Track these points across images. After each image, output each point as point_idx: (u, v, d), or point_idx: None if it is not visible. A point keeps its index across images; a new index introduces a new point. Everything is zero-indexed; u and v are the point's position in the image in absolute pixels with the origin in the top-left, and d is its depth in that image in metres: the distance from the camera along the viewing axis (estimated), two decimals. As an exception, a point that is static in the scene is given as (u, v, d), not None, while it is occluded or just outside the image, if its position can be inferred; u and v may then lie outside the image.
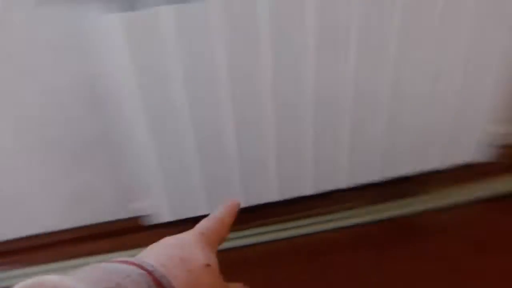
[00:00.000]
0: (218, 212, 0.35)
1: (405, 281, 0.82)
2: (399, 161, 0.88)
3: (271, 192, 0.86)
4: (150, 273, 0.25)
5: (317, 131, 0.80)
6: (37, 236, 0.93)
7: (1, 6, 0.67)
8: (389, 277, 0.83)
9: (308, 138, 0.81)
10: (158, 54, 0.66)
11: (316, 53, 0.71)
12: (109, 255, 0.87)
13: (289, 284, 0.84)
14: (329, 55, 0.72)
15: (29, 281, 0.20)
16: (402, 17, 0.70)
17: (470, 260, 0.84)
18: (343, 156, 0.84)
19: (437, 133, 0.85)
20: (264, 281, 0.81)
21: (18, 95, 0.77)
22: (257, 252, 0.92)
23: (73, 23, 0.71)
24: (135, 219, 0.92)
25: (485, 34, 0.75)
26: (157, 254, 0.28)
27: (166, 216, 0.85)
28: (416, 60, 0.75)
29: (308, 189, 0.88)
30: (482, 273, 0.81)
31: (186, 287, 0.26)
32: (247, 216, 0.95)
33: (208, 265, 0.29)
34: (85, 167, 0.88)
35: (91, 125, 0.83)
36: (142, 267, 0.25)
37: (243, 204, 0.83)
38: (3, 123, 0.80)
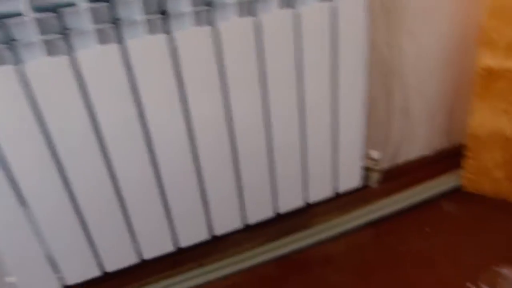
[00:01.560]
0: None
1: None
2: (285, 196, 0.92)
3: (167, 243, 0.84)
4: None
5: (203, 178, 0.81)
6: None
7: None
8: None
9: (193, 185, 0.81)
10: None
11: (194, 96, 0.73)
12: None
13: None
14: (204, 97, 0.75)
15: None
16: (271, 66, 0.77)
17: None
18: (233, 198, 0.86)
19: (315, 166, 0.92)
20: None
21: None
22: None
23: None
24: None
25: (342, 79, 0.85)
26: None
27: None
28: (287, 100, 0.81)
29: (202, 235, 0.87)
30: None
31: None
32: (140, 273, 0.91)
33: None
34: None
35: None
36: None
37: (134, 259, 0.82)
38: None
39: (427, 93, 1.08)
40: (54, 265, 0.77)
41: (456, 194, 1.11)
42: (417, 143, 1.16)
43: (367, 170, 1.04)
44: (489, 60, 0.90)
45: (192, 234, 0.86)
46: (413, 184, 1.12)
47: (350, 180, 0.97)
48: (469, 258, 0.93)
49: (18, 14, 0.58)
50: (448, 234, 1.00)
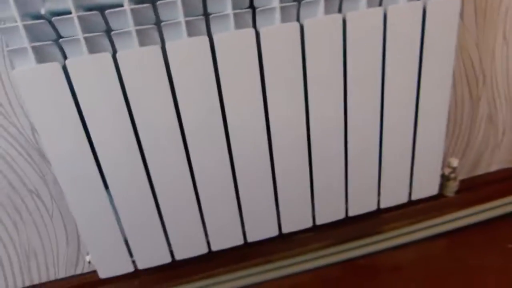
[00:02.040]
0: None
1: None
2: (358, 200, 0.90)
3: (236, 236, 0.85)
4: None
5: (281, 174, 0.81)
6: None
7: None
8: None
9: (267, 182, 0.81)
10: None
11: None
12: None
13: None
14: (284, 96, 0.74)
15: None
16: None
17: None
18: (304, 198, 0.85)
19: (391, 170, 0.88)
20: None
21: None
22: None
23: None
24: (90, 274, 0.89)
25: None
26: None
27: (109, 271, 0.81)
28: (368, 101, 0.79)
29: (270, 231, 0.87)
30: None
31: None
32: (206, 264, 0.93)
33: None
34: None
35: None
36: None
37: (203, 250, 0.83)
38: None
39: (517, 101, 1.01)
40: (129, 248, 0.80)
41: (540, 210, 1.03)
42: (501, 154, 1.09)
43: (445, 178, 0.99)
44: None
45: (262, 229, 0.86)
46: (493, 197, 1.06)
47: (427, 187, 0.93)
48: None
49: (119, 5, 0.60)
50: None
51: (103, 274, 0.81)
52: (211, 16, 0.64)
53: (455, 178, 0.99)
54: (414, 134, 0.85)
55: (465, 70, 0.93)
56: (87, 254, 0.81)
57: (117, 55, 0.62)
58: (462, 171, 1.08)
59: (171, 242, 0.82)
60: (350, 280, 0.93)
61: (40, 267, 0.90)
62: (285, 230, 0.88)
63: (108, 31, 0.62)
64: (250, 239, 0.86)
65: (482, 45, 0.91)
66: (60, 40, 0.60)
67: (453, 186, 1.00)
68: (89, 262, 0.80)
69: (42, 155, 0.79)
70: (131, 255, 0.81)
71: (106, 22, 0.61)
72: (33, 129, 0.77)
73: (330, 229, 0.96)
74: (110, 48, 0.63)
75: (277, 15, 0.66)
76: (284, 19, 0.67)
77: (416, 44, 0.75)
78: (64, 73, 0.62)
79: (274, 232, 0.87)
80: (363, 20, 0.71)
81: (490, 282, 0.88)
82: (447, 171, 0.98)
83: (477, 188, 1.08)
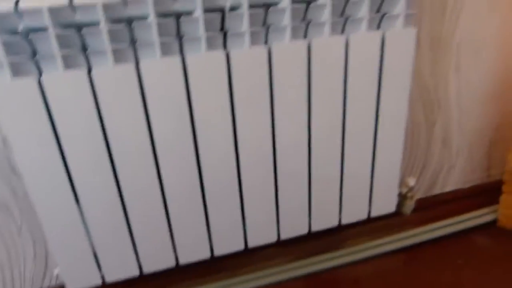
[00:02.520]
0: None
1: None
2: (320, 216, 0.94)
3: (201, 250, 0.87)
4: None
5: (248, 190, 0.84)
6: None
7: None
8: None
9: (233, 198, 0.84)
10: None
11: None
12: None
13: None
14: (251, 115, 0.78)
15: None
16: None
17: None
18: (270, 213, 0.89)
19: (351, 188, 0.93)
20: None
21: None
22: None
23: None
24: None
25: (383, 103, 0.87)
26: None
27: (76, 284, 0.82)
28: (329, 123, 0.84)
29: (237, 246, 0.90)
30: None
31: None
32: (174, 277, 0.94)
33: None
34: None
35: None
36: None
37: (171, 263, 0.85)
38: None
39: (468, 126, 1.09)
40: (98, 262, 0.81)
41: (491, 228, 1.10)
42: (455, 175, 1.16)
43: (402, 197, 1.05)
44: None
45: (228, 243, 0.89)
46: (447, 215, 1.12)
47: (385, 205, 0.98)
48: (499, 294, 0.92)
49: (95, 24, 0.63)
50: (479, 268, 1.00)
51: (71, 287, 0.82)
52: (184, 38, 0.68)
53: (412, 197, 1.05)
54: (373, 154, 0.91)
55: (421, 97, 1.00)
56: (56, 267, 0.81)
57: (92, 73, 0.65)
58: (419, 191, 1.14)
59: (140, 255, 0.83)
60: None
61: (6, 281, 0.89)
62: (251, 244, 0.91)
63: (85, 48, 0.65)
64: (217, 252, 0.89)
65: (436, 73, 0.98)
66: (36, 56, 0.63)
67: (410, 205, 1.06)
68: (57, 275, 0.80)
69: (13, 169, 0.80)
70: (99, 268, 0.82)
71: (83, 40, 0.64)
72: (4, 142, 0.78)
73: (294, 244, 1.00)
74: (85, 64, 0.65)
75: (247, 38, 0.71)
76: (253, 43, 0.72)
77: (375, 70, 0.81)
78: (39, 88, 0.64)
79: (240, 246, 0.90)
80: (327, 47, 0.76)
81: (442, 296, 0.94)
82: (404, 190, 1.04)
83: (433, 207, 1.14)
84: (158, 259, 0.85)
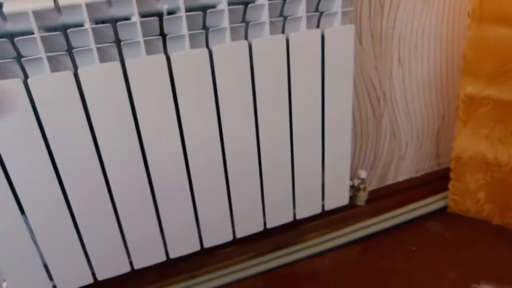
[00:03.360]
0: None
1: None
2: (275, 212, 0.95)
3: (156, 253, 0.87)
4: None
5: (199, 191, 0.85)
6: None
7: None
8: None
9: (187, 199, 0.85)
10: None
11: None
12: None
13: None
14: (197, 118, 0.79)
15: None
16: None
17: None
18: (224, 212, 0.89)
19: (304, 184, 0.95)
20: None
21: None
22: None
23: None
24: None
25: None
26: None
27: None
28: (276, 121, 0.85)
29: (192, 247, 0.90)
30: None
31: None
32: (131, 282, 0.94)
33: None
34: None
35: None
36: None
37: (125, 269, 0.85)
38: None
39: (415, 117, 1.13)
40: (48, 273, 0.80)
41: (441, 215, 1.14)
42: (406, 165, 1.20)
43: (355, 189, 1.07)
44: (471, 87, 0.94)
45: (183, 245, 0.89)
46: (399, 205, 1.16)
47: (338, 198, 1.01)
48: (450, 276, 0.96)
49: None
50: (432, 253, 1.04)
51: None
52: (122, 43, 0.68)
53: (364, 189, 1.07)
54: (322, 150, 0.93)
55: (367, 91, 1.03)
56: (4, 281, 0.80)
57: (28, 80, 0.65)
58: (372, 182, 1.17)
59: (92, 262, 0.83)
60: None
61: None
62: (207, 244, 0.91)
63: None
64: (172, 255, 0.89)
65: (380, 67, 1.01)
66: (22, 59, 0.63)
67: (363, 196, 1.09)
68: (6, 288, 0.79)
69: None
70: (51, 279, 0.81)
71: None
72: None
73: (250, 242, 1.01)
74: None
75: (187, 41, 0.71)
76: (193, 45, 0.72)
77: (317, 67, 0.83)
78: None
79: (195, 247, 0.91)
80: (267, 46, 0.77)
81: (397, 282, 0.97)
82: (356, 182, 1.06)
83: (386, 197, 1.18)
84: (112, 266, 0.85)
